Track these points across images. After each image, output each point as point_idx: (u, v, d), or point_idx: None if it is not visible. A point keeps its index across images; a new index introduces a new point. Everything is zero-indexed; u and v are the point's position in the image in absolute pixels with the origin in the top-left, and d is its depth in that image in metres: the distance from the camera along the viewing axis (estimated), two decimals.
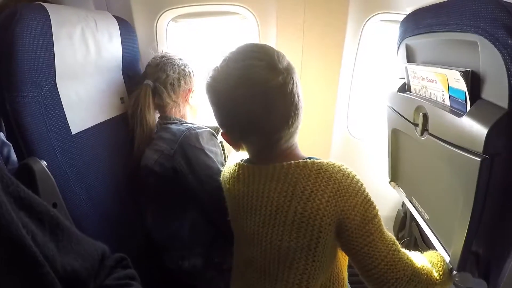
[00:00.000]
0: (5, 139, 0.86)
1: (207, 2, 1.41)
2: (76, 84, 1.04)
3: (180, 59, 1.25)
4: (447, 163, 0.77)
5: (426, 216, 0.92)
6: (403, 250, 0.74)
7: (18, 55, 0.84)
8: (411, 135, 0.92)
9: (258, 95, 0.68)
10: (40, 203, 0.51)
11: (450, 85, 0.74)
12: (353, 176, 0.72)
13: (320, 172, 0.70)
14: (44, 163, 0.81)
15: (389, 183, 1.22)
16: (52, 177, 0.81)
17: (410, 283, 0.72)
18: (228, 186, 0.86)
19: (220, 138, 1.16)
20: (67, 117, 0.99)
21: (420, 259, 0.78)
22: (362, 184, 0.72)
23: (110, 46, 1.20)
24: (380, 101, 1.51)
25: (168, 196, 1.16)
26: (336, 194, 0.69)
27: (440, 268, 0.78)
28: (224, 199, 0.91)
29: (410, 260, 0.74)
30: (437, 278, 0.76)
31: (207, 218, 1.16)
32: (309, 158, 0.77)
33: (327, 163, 0.72)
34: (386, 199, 1.48)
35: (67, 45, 0.99)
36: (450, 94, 0.75)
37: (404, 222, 1.35)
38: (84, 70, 1.08)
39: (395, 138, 1.10)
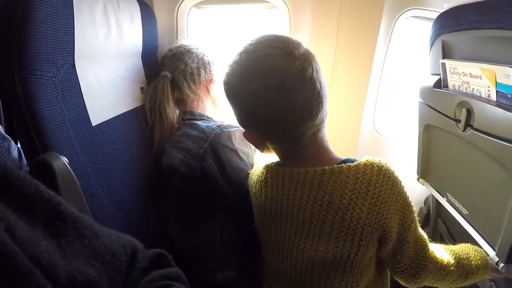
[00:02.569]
0: (4, 133, 0.67)
1: None
2: (96, 67, 0.85)
3: (197, 48, 1.09)
4: (496, 158, 0.73)
5: (465, 212, 0.87)
6: (432, 248, 0.71)
7: (35, 23, 0.64)
8: (450, 130, 0.87)
9: (276, 85, 0.61)
10: (27, 181, 0.34)
11: (498, 80, 0.71)
12: (393, 175, 0.64)
13: (358, 177, 0.62)
14: (65, 159, 0.62)
15: (417, 180, 1.16)
16: (75, 177, 0.62)
17: (436, 276, 0.71)
18: (254, 190, 0.77)
19: None
20: (86, 105, 0.79)
21: (449, 255, 0.74)
22: (401, 183, 0.65)
23: (131, 29, 1.01)
24: (407, 97, 1.43)
25: (193, 200, 0.99)
26: (378, 200, 0.61)
27: (474, 260, 0.75)
28: None
29: (438, 259, 0.71)
30: (471, 268, 0.74)
31: (236, 224, 1.00)
32: (344, 160, 0.67)
33: (365, 165, 0.63)
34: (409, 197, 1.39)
35: (88, 20, 0.80)
36: (498, 90, 0.71)
37: (427, 219, 1.31)
38: (105, 52, 0.88)
39: (428, 134, 1.04)
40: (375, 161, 0.64)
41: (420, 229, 0.70)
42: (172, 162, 0.97)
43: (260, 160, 0.89)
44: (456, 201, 0.92)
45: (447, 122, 0.89)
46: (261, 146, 0.71)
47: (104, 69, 0.88)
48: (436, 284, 0.74)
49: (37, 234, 0.32)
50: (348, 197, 0.62)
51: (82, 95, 0.78)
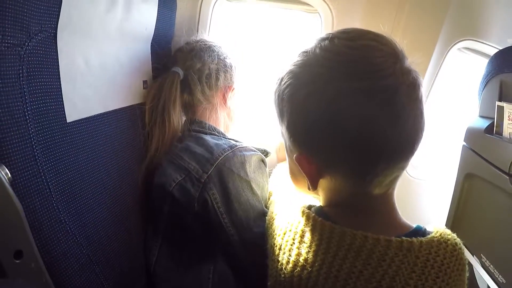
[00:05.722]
0: None
1: None
2: (87, 44, 0.63)
3: (220, 47, 0.89)
4: None
5: (501, 280, 0.77)
6: None
7: None
8: (500, 185, 0.77)
9: (383, 93, 0.44)
10: None
11: None
12: (464, 257, 0.52)
13: (429, 259, 0.48)
14: (3, 172, 0.39)
15: None
16: (16, 199, 0.38)
17: None
18: (280, 241, 0.57)
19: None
20: (63, 92, 0.56)
21: None
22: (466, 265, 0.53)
23: (144, 8, 0.79)
24: (445, 138, 1.31)
25: (185, 234, 0.77)
26: None
27: None
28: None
29: None
30: None
31: (237, 276, 0.77)
32: (414, 232, 0.52)
33: (438, 242, 0.50)
34: None
35: None
36: None
37: None
38: (103, 28, 0.66)
39: (468, 183, 0.93)
40: (450, 238, 0.51)
41: None
42: (165, 182, 0.76)
43: (279, 193, 0.72)
44: (491, 266, 0.81)
45: (497, 175, 0.78)
46: (315, 182, 0.52)
47: (99, 50, 0.66)
48: None
49: None
50: (413, 284, 0.47)
51: (59, 77, 0.55)
